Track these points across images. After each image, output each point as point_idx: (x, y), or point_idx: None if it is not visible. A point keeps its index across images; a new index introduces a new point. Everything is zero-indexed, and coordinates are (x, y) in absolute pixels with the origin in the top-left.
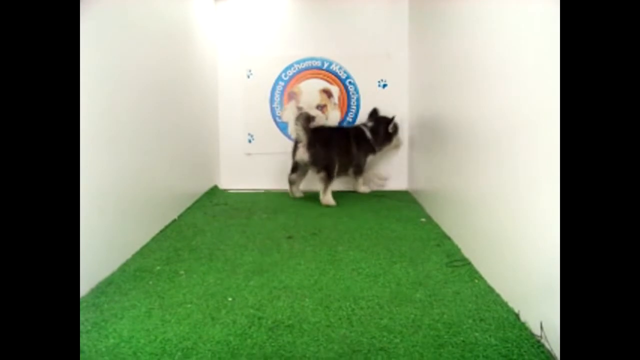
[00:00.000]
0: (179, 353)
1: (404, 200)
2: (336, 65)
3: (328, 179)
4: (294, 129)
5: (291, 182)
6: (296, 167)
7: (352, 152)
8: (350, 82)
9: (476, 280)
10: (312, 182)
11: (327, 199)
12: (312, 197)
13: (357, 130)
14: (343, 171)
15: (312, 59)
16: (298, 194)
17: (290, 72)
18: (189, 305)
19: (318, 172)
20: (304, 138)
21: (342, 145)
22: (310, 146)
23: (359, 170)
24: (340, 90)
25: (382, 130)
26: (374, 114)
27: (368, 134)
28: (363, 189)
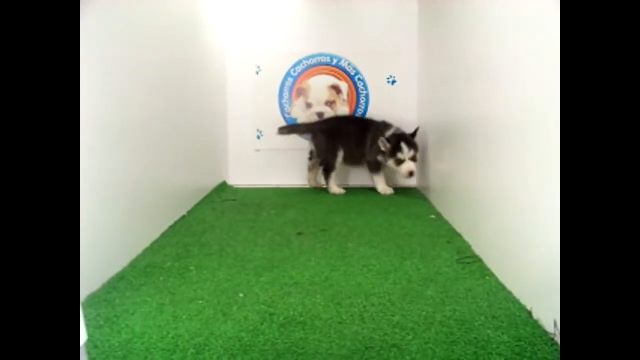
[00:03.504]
0: (192, 349)
1: (413, 197)
2: (345, 62)
3: (327, 171)
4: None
5: (308, 170)
6: (312, 155)
7: (365, 146)
8: (359, 79)
9: (487, 278)
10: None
11: (333, 189)
12: (321, 193)
13: (377, 128)
14: (353, 163)
15: (321, 55)
16: (312, 183)
17: (300, 69)
18: (200, 302)
19: (319, 164)
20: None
21: (352, 135)
22: (314, 137)
23: (372, 168)
24: (350, 86)
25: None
26: (414, 133)
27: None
28: (381, 188)
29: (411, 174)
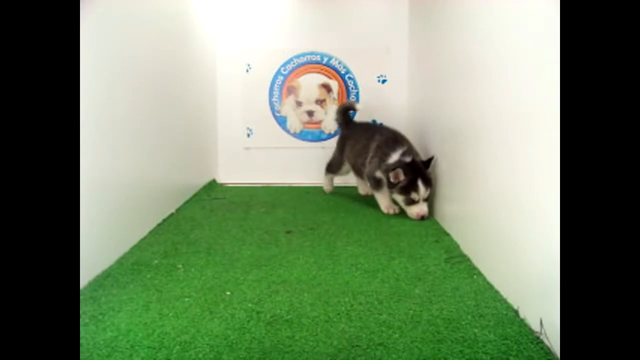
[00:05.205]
0: (177, 347)
1: None
2: (335, 60)
3: (326, 171)
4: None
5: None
6: None
7: (367, 156)
8: (349, 77)
9: (475, 277)
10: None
11: (325, 187)
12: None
13: (383, 143)
14: (358, 175)
15: (311, 53)
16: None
17: (290, 67)
18: (187, 299)
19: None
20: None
21: (359, 145)
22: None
23: (371, 184)
24: (340, 85)
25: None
26: (427, 162)
27: (391, 153)
28: (384, 205)
29: (422, 218)
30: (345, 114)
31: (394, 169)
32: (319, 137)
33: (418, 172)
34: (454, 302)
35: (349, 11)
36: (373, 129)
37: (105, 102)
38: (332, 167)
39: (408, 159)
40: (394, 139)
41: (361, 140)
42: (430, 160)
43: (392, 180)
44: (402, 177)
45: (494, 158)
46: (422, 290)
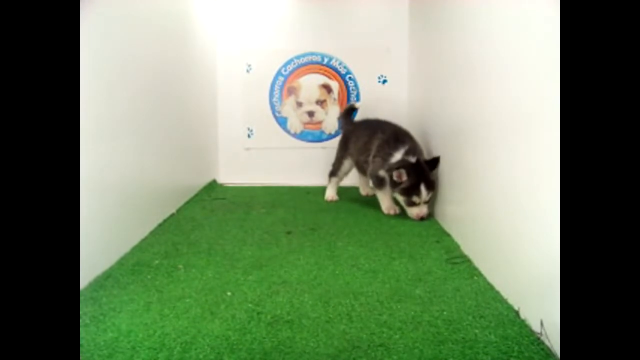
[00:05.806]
0: (178, 347)
1: None
2: (336, 61)
3: (330, 175)
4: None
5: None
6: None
7: (370, 153)
8: (350, 78)
9: (476, 277)
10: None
11: (326, 194)
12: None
13: (385, 141)
14: (362, 171)
15: (312, 53)
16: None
17: (290, 67)
18: (187, 300)
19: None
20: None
21: (360, 141)
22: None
23: (376, 182)
24: (340, 85)
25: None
26: (433, 162)
27: (393, 152)
28: (385, 205)
29: (422, 219)
30: (348, 116)
31: (397, 168)
32: (320, 137)
33: (421, 174)
34: (454, 303)
35: (349, 11)
36: (375, 125)
37: (105, 102)
38: (334, 167)
39: (412, 159)
40: (396, 137)
41: (363, 137)
42: (435, 160)
43: (395, 178)
44: (404, 177)
45: (494, 158)
46: (423, 291)
